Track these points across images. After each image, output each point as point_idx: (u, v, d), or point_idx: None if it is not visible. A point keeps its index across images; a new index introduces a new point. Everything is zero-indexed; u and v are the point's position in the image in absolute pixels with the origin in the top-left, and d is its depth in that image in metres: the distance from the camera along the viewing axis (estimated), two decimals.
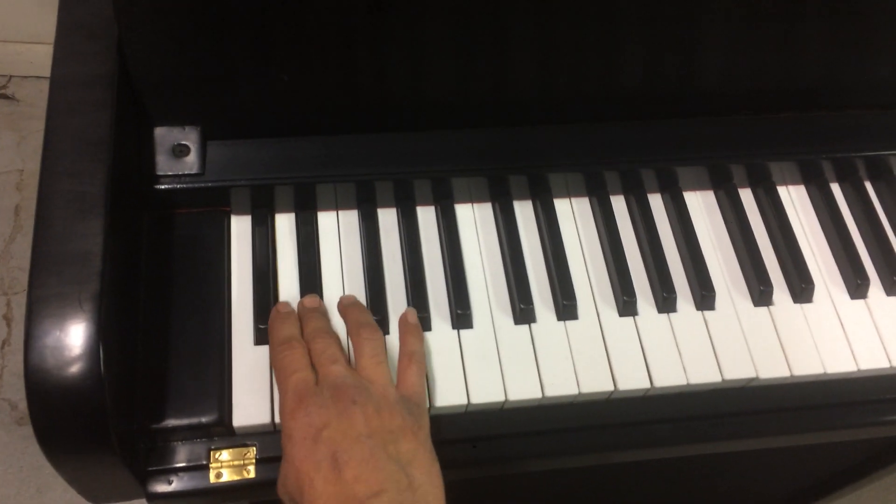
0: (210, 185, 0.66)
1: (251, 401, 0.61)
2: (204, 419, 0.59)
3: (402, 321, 0.63)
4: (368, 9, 0.63)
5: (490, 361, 0.64)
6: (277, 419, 0.60)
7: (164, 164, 0.65)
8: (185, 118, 0.66)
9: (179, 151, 0.65)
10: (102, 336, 0.51)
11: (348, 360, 0.59)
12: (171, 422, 0.59)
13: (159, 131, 0.65)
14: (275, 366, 0.58)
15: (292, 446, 0.53)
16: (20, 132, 1.67)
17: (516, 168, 0.71)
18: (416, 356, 0.60)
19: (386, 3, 0.63)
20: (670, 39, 0.69)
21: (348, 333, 0.62)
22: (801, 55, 0.72)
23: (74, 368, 0.50)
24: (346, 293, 0.66)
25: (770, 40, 0.70)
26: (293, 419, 0.53)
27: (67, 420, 0.51)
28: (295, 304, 0.64)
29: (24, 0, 1.59)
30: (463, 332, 0.65)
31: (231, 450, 0.60)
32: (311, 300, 0.64)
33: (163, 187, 0.64)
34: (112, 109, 0.58)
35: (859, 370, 0.66)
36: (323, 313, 0.63)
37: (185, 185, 0.65)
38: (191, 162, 0.65)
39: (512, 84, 0.69)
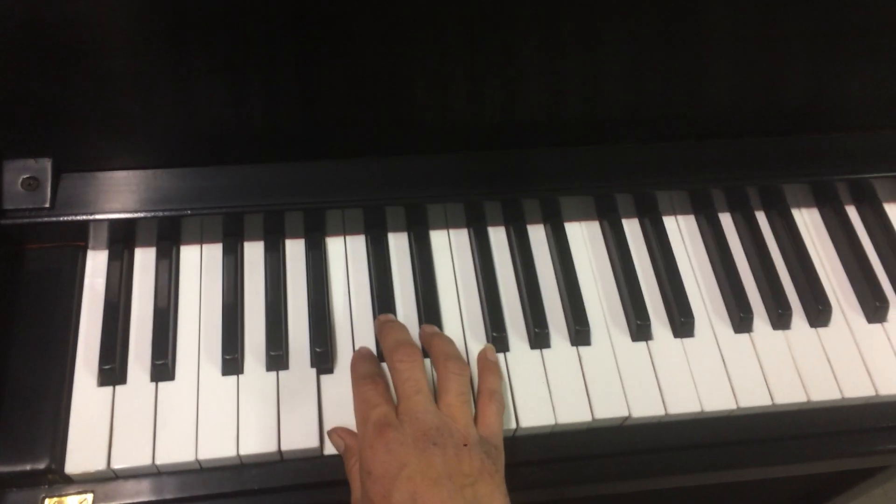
0: (61, 219, 0.63)
1: (88, 446, 0.58)
2: (33, 466, 0.56)
3: (482, 358, 0.63)
4: (225, 38, 0.61)
5: (349, 402, 0.61)
6: (115, 465, 0.57)
7: (11, 198, 0.62)
8: (35, 150, 0.63)
9: (28, 185, 0.63)
10: None
11: (430, 386, 0.59)
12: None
13: (7, 164, 0.63)
14: (356, 397, 0.58)
15: (372, 482, 0.52)
16: None
17: (392, 199, 0.69)
18: (495, 395, 0.60)
19: (243, 32, 0.61)
20: (556, 67, 0.67)
21: (433, 363, 0.61)
22: (693, 83, 0.70)
23: None
24: (204, 332, 0.64)
25: (658, 68, 0.68)
26: (373, 453, 0.53)
27: None
28: (141, 339, 0.62)
29: None
30: (323, 377, 0.62)
31: (65, 497, 0.57)
32: (386, 316, 0.64)
33: (7, 222, 0.62)
34: None
35: (739, 408, 0.63)
36: (401, 324, 0.63)
37: (33, 220, 0.63)
38: (40, 196, 0.63)
39: (387, 113, 0.67)
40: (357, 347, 0.64)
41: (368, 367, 0.60)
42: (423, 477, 0.51)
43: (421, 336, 0.64)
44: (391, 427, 0.54)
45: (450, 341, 0.63)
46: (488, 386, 0.61)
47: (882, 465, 0.88)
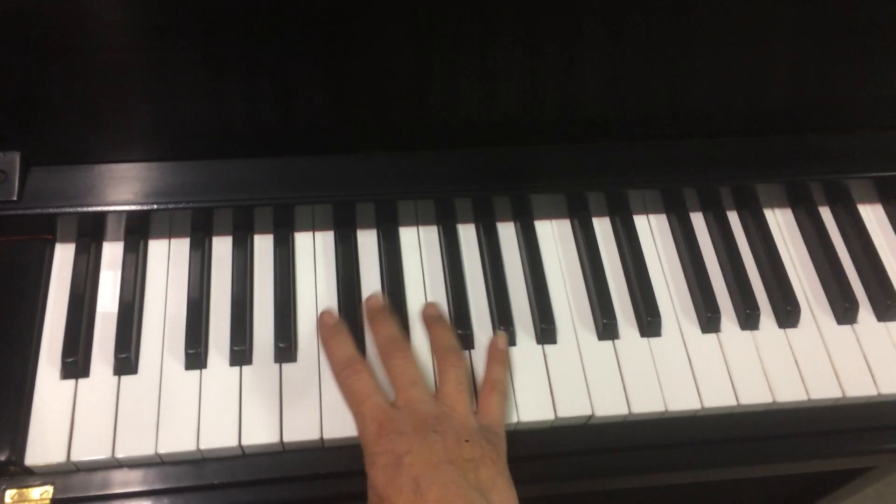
0: (28, 212, 0.63)
1: (48, 438, 0.58)
2: None
3: (493, 346, 0.63)
4: (196, 33, 0.61)
5: (312, 396, 0.61)
6: (75, 458, 0.57)
7: None
8: (4, 143, 0.64)
9: None
10: None
11: (424, 379, 0.59)
12: None
13: None
14: (343, 391, 0.58)
15: (375, 472, 0.53)
16: None
17: (361, 196, 0.69)
18: (499, 385, 0.60)
19: (214, 27, 0.61)
20: (531, 65, 0.67)
21: (433, 351, 0.62)
22: (669, 84, 0.70)
23: None
24: (168, 326, 0.64)
25: (633, 68, 0.68)
26: (376, 445, 0.54)
27: None
28: (106, 333, 0.62)
29: None
30: (286, 373, 0.62)
31: (25, 489, 0.57)
32: (376, 299, 0.64)
33: None
34: None
35: (703, 408, 0.63)
36: (391, 314, 0.63)
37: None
38: (7, 188, 0.63)
39: (356, 110, 0.67)
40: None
41: (345, 352, 0.59)
42: (424, 462, 0.52)
43: (423, 316, 0.65)
44: (389, 418, 0.54)
45: (448, 330, 0.63)
46: (493, 376, 0.61)
47: (857, 466, 0.88)
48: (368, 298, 0.64)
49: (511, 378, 0.63)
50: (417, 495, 0.50)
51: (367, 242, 0.69)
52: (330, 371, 0.61)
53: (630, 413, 0.62)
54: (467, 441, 0.54)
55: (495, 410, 0.59)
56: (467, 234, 0.71)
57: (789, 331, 0.68)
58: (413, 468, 0.52)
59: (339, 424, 0.60)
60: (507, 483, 0.55)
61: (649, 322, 0.66)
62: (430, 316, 0.64)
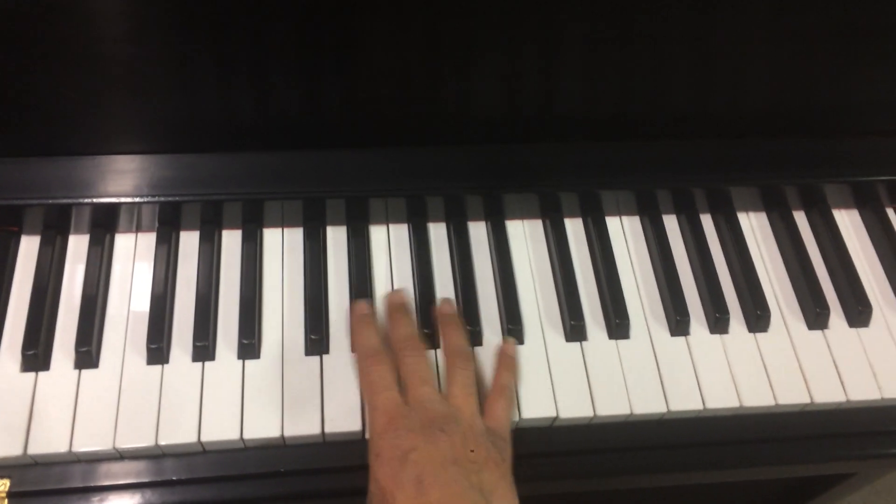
0: None
1: (6, 431, 0.57)
2: None
3: (502, 353, 0.63)
4: (155, 30, 0.61)
5: (274, 394, 0.61)
6: (31, 451, 0.57)
7: None
8: None
9: None
10: None
11: (436, 379, 0.59)
12: None
13: None
14: (362, 379, 0.59)
15: (379, 465, 0.53)
16: None
17: (332, 192, 0.68)
18: (507, 390, 0.61)
19: (186, 19, 0.61)
20: (506, 64, 0.66)
21: (443, 351, 0.62)
22: (646, 85, 0.69)
23: None
24: (132, 321, 0.63)
25: (611, 68, 0.68)
26: (382, 439, 0.54)
27: None
28: (69, 326, 0.62)
29: None
30: (249, 368, 0.62)
31: None
32: (397, 296, 0.64)
33: None
34: None
35: (669, 411, 0.63)
36: (410, 312, 0.64)
37: None
38: None
39: (329, 107, 0.67)
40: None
41: (370, 341, 0.60)
42: (429, 460, 0.52)
43: (438, 312, 0.64)
44: (399, 413, 0.55)
45: (461, 332, 0.63)
46: (501, 381, 0.61)
47: (829, 472, 0.87)
48: (390, 294, 0.65)
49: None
50: (419, 493, 0.51)
51: (336, 239, 0.69)
52: (353, 360, 0.62)
53: (595, 416, 0.62)
54: (473, 443, 0.54)
55: (502, 415, 0.59)
56: (438, 233, 0.70)
57: (759, 335, 0.67)
58: (418, 465, 0.52)
59: (301, 423, 0.59)
60: (509, 488, 0.55)
61: (618, 324, 0.65)
62: (445, 314, 0.64)
